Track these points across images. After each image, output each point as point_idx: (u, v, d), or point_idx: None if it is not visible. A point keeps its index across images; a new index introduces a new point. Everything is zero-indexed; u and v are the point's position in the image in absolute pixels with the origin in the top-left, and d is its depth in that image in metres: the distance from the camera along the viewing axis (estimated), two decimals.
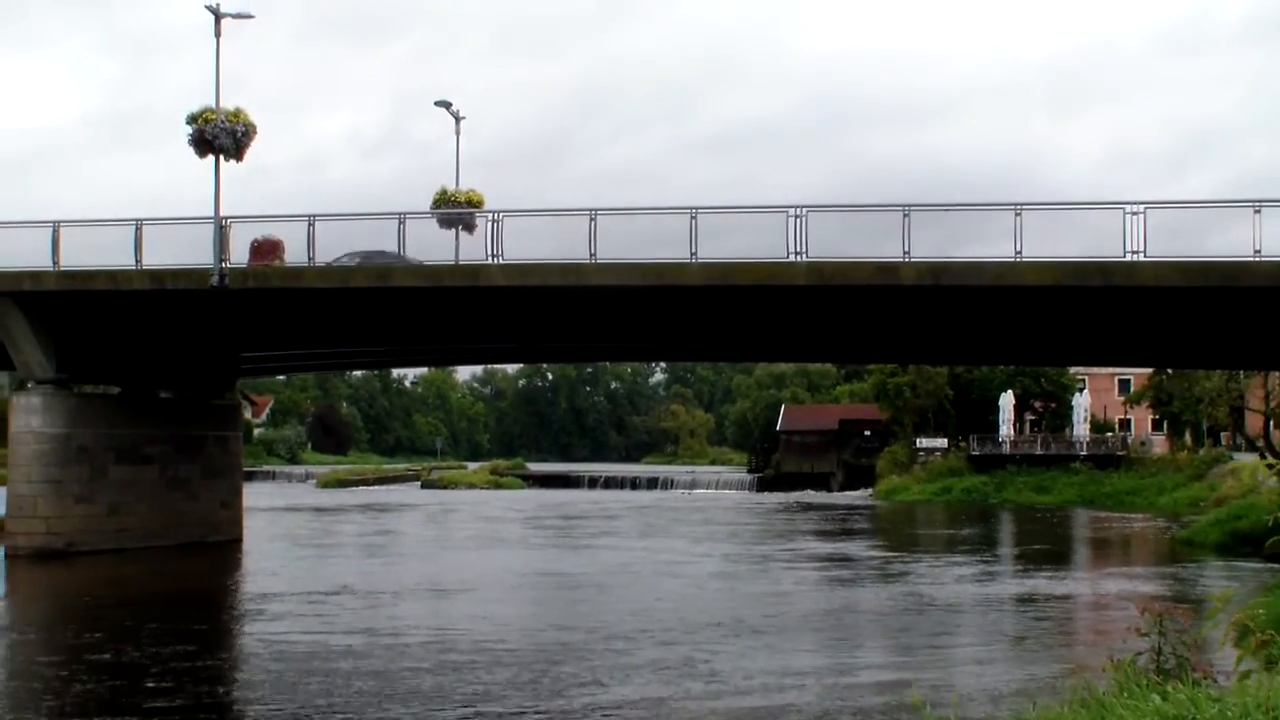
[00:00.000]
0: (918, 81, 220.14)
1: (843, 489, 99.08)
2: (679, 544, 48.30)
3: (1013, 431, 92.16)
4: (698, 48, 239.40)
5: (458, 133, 44.29)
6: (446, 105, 44.21)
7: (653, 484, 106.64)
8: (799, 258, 33.82)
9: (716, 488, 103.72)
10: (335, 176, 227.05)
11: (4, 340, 39.99)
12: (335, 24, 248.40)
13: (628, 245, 35.56)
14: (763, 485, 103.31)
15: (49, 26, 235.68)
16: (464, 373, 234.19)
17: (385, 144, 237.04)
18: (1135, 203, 32.27)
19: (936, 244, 34.72)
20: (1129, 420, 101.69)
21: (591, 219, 35.29)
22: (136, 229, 38.51)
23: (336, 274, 37.20)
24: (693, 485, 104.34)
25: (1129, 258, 31.99)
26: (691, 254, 34.35)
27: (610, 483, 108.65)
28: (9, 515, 41.22)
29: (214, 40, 38.00)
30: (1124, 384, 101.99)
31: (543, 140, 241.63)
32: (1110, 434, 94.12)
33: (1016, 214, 32.54)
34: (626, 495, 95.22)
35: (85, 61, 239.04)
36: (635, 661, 21.70)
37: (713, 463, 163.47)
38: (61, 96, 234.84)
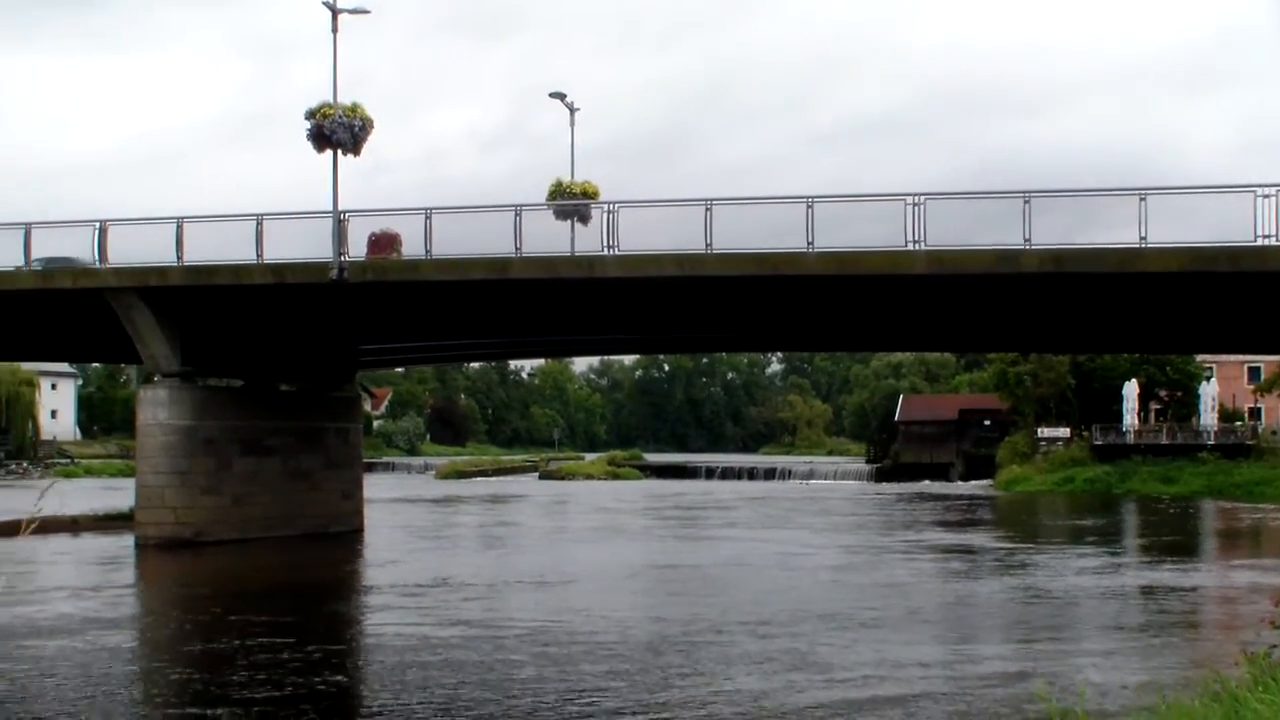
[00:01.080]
0: (1039, 70, 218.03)
1: (962, 479, 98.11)
2: (796, 535, 48.05)
3: (1137, 421, 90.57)
4: (817, 41, 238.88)
5: (572, 124, 44.41)
6: (561, 96, 44.30)
7: (770, 474, 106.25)
8: (917, 246, 33.43)
9: (834, 478, 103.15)
10: (454, 171, 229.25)
11: (131, 335, 40.67)
12: (455, 20, 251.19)
13: (744, 236, 35.44)
14: (881, 476, 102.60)
15: (180, 27, 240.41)
16: (581, 364, 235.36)
17: (504, 139, 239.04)
18: (1266, 185, 31.49)
19: (1059, 231, 34.22)
20: (1259, 409, 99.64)
21: (707, 209, 35.16)
22: (257, 224, 38.97)
23: (454, 266, 37.38)
24: (810, 476, 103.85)
25: (1259, 242, 31.26)
26: (808, 243, 34.10)
27: (727, 473, 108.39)
28: (138, 506, 41.97)
29: (331, 37, 38.42)
30: (1254, 371, 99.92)
31: (660, 135, 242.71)
32: (1239, 423, 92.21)
33: (1141, 199, 31.89)
34: (743, 486, 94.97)
35: (216, 62, 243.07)
36: (744, 653, 21.54)
37: (830, 453, 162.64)
38: (192, 97, 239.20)
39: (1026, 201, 32.76)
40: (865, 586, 32.08)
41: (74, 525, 47.21)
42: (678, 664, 20.44)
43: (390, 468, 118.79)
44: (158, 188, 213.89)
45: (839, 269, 34.44)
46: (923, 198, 33.70)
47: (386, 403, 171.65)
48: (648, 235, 36.88)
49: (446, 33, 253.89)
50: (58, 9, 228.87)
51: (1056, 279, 33.46)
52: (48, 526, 44.30)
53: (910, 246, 33.47)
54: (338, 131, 37.09)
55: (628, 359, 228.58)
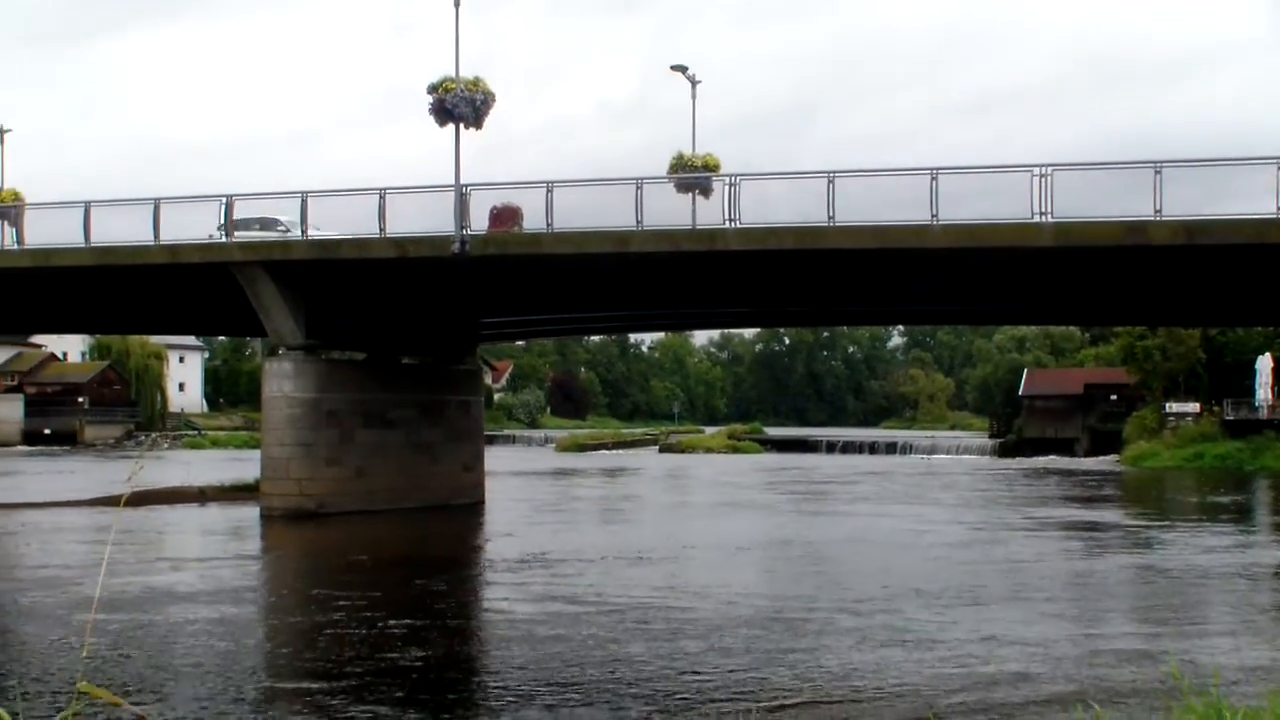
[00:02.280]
0: (1177, 38, 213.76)
1: (1087, 455, 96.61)
2: (917, 510, 47.57)
3: (1270, 396, 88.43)
4: (951, 11, 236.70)
5: (693, 97, 44.22)
6: (682, 69, 44.11)
7: (891, 449, 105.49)
8: (1044, 218, 32.92)
9: (956, 453, 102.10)
10: (583, 145, 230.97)
11: (256, 308, 41.17)
12: None
13: (867, 209, 35.14)
14: (1004, 451, 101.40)
15: (325, 4, 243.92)
16: (701, 337, 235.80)
17: (632, 113, 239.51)
18: None
19: (1190, 203, 33.39)
20: None
21: (829, 181, 34.88)
22: (380, 198, 39.23)
23: (575, 240, 37.40)
24: (932, 450, 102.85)
25: None
26: (932, 216, 33.73)
27: (848, 447, 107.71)
28: (263, 477, 42.57)
29: (454, 10, 38.53)
30: None
31: (788, 108, 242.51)
32: None
33: (1279, 167, 31.14)
34: (864, 460, 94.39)
35: (358, 37, 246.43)
36: (858, 628, 21.31)
37: (952, 428, 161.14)
38: (332, 74, 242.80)
39: (1157, 172, 32.11)
40: (987, 563, 31.66)
41: (201, 496, 48.00)
42: (792, 639, 20.25)
43: (511, 440, 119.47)
44: (295, 164, 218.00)
45: (963, 241, 34.03)
46: (1049, 169, 33.18)
47: (507, 376, 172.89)
48: (769, 208, 36.73)
49: (580, 8, 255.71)
50: None
51: (1187, 251, 32.76)
52: (175, 497, 45.13)
53: (1036, 218, 32.98)
54: (459, 105, 37.18)
55: (748, 332, 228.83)
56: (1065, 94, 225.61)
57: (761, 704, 15.97)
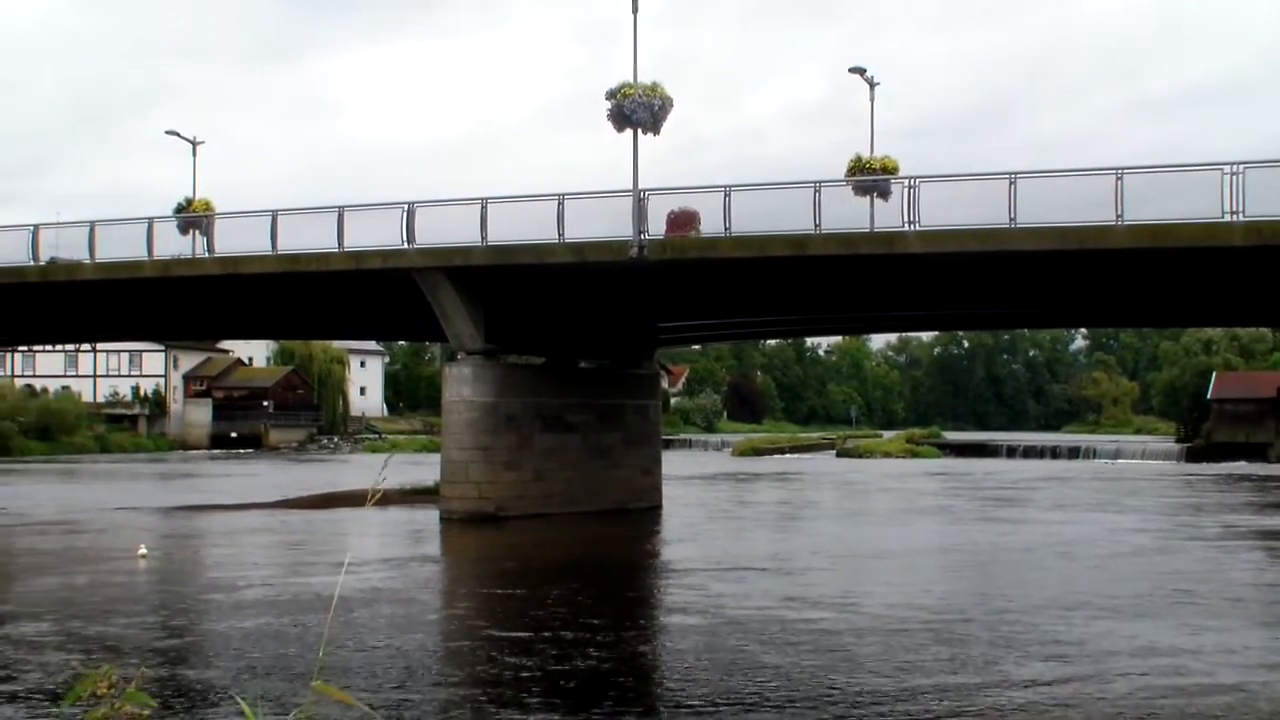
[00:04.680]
0: None
1: None
2: (1101, 516, 46.49)
3: None
4: (1148, 9, 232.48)
5: (872, 99, 43.70)
6: (861, 71, 43.64)
7: (1074, 453, 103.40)
8: (1235, 218, 31.98)
9: (1141, 457, 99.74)
10: (771, 150, 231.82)
11: (437, 313, 41.66)
12: (784, 4, 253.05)
13: (1049, 210, 34.41)
14: (1192, 455, 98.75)
15: (525, 15, 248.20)
16: (878, 341, 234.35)
17: (821, 117, 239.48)
18: None
19: None
20: None
21: (1011, 183, 34.31)
22: (559, 204, 39.45)
23: (752, 244, 37.25)
24: (1116, 455, 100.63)
25: None
26: (1117, 216, 32.99)
27: (1029, 452, 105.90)
28: (443, 480, 43.04)
29: (632, 17, 38.66)
30: None
31: (978, 111, 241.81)
32: None
33: None
34: (1046, 465, 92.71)
35: (552, 48, 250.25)
36: (1037, 638, 20.80)
37: (1137, 432, 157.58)
38: (525, 83, 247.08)
39: None
40: (1175, 571, 30.76)
41: (382, 499, 48.60)
42: (962, 650, 19.84)
43: (687, 445, 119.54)
44: (485, 171, 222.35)
45: (1149, 242, 33.22)
46: (1241, 166, 32.25)
47: (683, 380, 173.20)
48: (949, 211, 36.22)
49: (774, 16, 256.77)
50: (406, 6, 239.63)
51: None
52: (356, 499, 45.90)
53: (1227, 218, 32.06)
54: (637, 111, 37.26)
55: (926, 336, 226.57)
56: (1265, 90, 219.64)
57: (932, 713, 15.69)
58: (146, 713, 4.22)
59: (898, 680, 17.61)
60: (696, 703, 16.43)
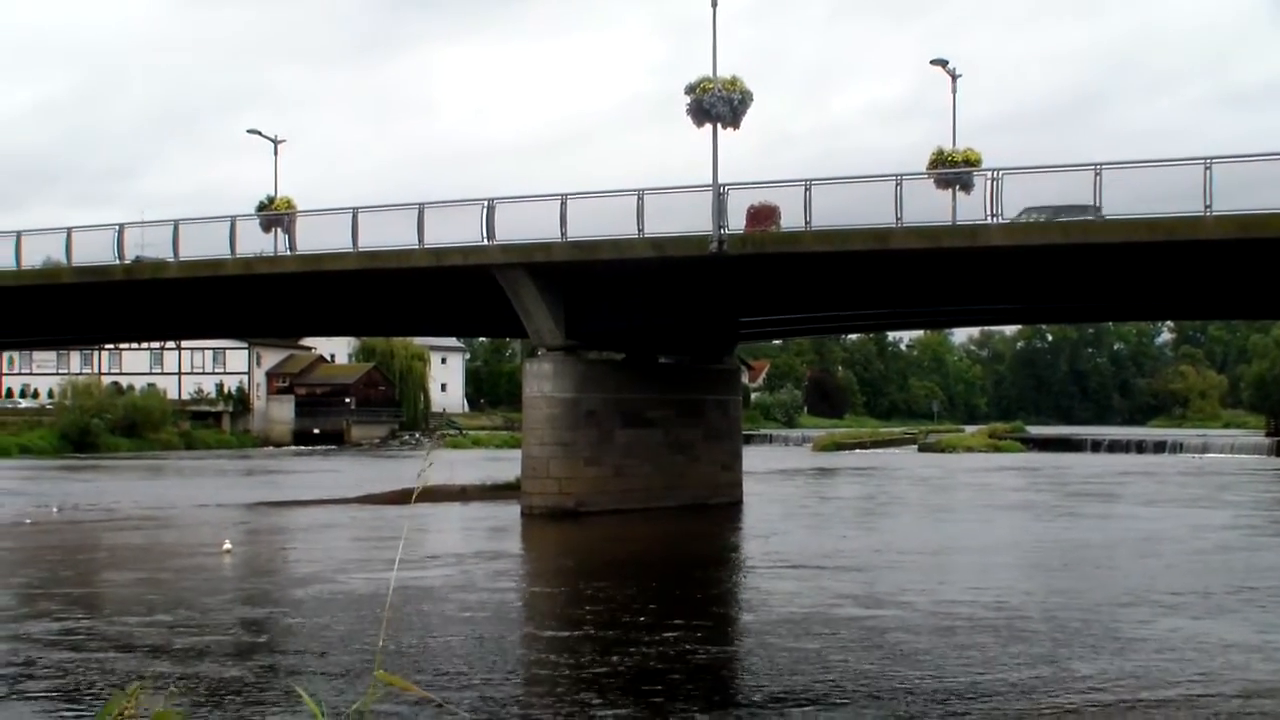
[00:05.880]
0: None
1: None
2: (1188, 512, 45.84)
3: None
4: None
5: (954, 91, 43.30)
6: (943, 63, 43.26)
7: (1160, 447, 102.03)
8: None
9: (1230, 452, 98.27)
10: (856, 146, 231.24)
11: (517, 309, 41.69)
12: (874, 1, 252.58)
13: (1136, 201, 34.01)
14: None
15: (617, 12, 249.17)
16: (960, 335, 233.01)
17: (907, 113, 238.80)
18: None
19: None
20: None
21: (1096, 173, 33.91)
22: (638, 199, 39.39)
23: (833, 238, 37.01)
24: (1204, 449, 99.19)
25: None
26: (1205, 206, 32.46)
27: (1114, 446, 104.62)
28: (523, 475, 43.08)
29: (711, 11, 38.55)
30: None
31: (1065, 104, 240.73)
32: None
33: None
34: (1131, 459, 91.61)
35: (639, 45, 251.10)
36: (1125, 633, 20.51)
37: (1226, 426, 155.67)
38: (612, 79, 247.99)
39: None
40: (1264, 568, 30.26)
41: (463, 494, 48.92)
42: (1070, 647, 19.56)
43: (768, 440, 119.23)
44: (567, 169, 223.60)
45: (1239, 232, 32.66)
46: None
47: (764, 375, 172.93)
48: (1033, 203, 35.85)
49: (861, 12, 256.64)
50: (493, 4, 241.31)
51: None
52: (438, 495, 46.07)
53: None
54: (716, 105, 37.15)
55: (1009, 329, 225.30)
56: None
57: (1024, 708, 15.48)
58: None
59: (971, 678, 17.39)
60: (769, 700, 16.30)
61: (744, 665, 19.21)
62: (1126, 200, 33.90)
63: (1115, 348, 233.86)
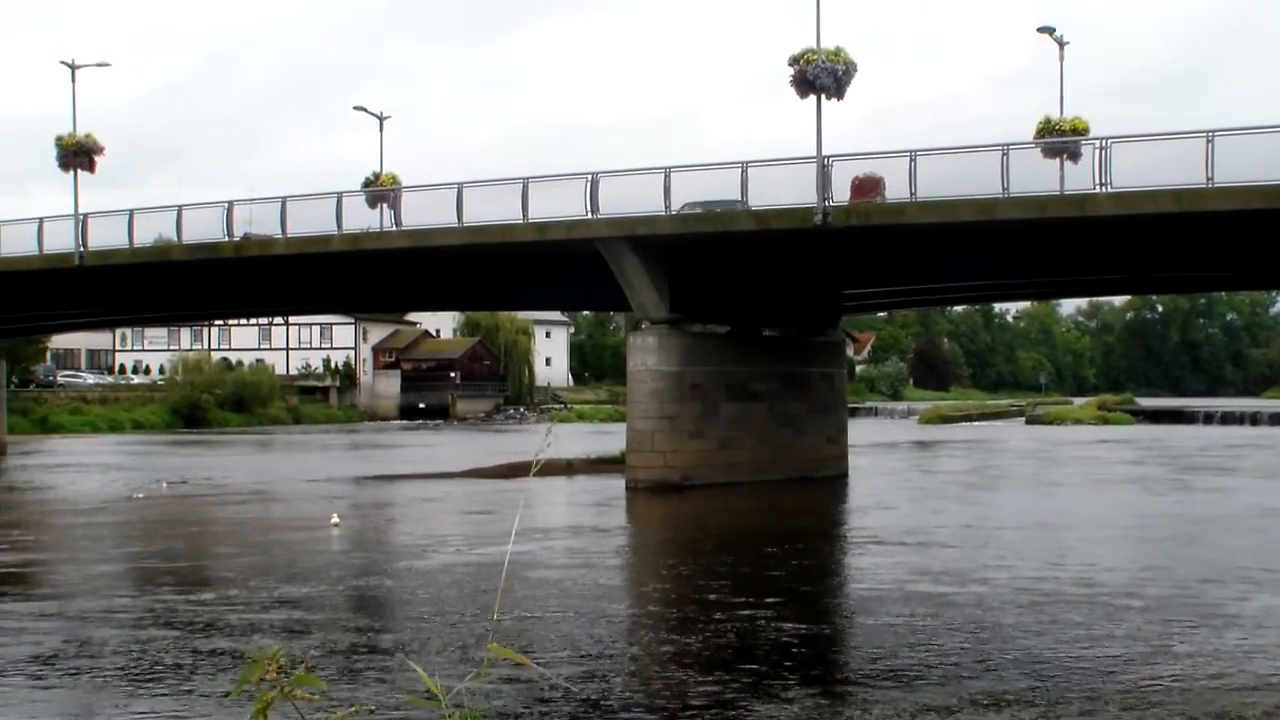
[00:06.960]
0: None
1: None
2: None
3: None
4: None
5: (1061, 59, 42.72)
6: (1050, 31, 42.68)
7: (1275, 420, 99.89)
8: None
9: None
10: (967, 117, 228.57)
11: (621, 283, 41.74)
12: None
13: (1249, 168, 33.29)
14: None
15: None
16: (1068, 306, 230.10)
17: (1019, 82, 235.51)
18: None
19: None
20: None
21: (1208, 141, 33.32)
22: (742, 171, 39.33)
23: (938, 209, 36.69)
24: None
25: None
26: None
27: (1227, 418, 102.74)
28: (628, 450, 43.16)
29: None
30: None
31: (1179, 72, 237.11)
32: None
33: None
34: (1246, 431, 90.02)
35: (744, 18, 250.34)
36: (1217, 612, 20.18)
37: None
38: (718, 53, 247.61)
39: None
40: None
41: (569, 468, 49.13)
42: (1176, 624, 19.29)
43: (873, 413, 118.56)
44: (673, 142, 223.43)
45: None
46: None
47: (869, 347, 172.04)
48: (1141, 172, 35.31)
49: None
50: None
51: None
52: (544, 469, 46.31)
53: None
54: (820, 76, 36.93)
55: (1118, 300, 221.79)
56: None
57: (1125, 687, 15.28)
58: (316, 696, 4.20)
59: (1073, 650, 17.19)
60: (868, 677, 16.19)
61: (844, 641, 19.16)
62: (1241, 167, 33.19)
63: (1228, 318, 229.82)
